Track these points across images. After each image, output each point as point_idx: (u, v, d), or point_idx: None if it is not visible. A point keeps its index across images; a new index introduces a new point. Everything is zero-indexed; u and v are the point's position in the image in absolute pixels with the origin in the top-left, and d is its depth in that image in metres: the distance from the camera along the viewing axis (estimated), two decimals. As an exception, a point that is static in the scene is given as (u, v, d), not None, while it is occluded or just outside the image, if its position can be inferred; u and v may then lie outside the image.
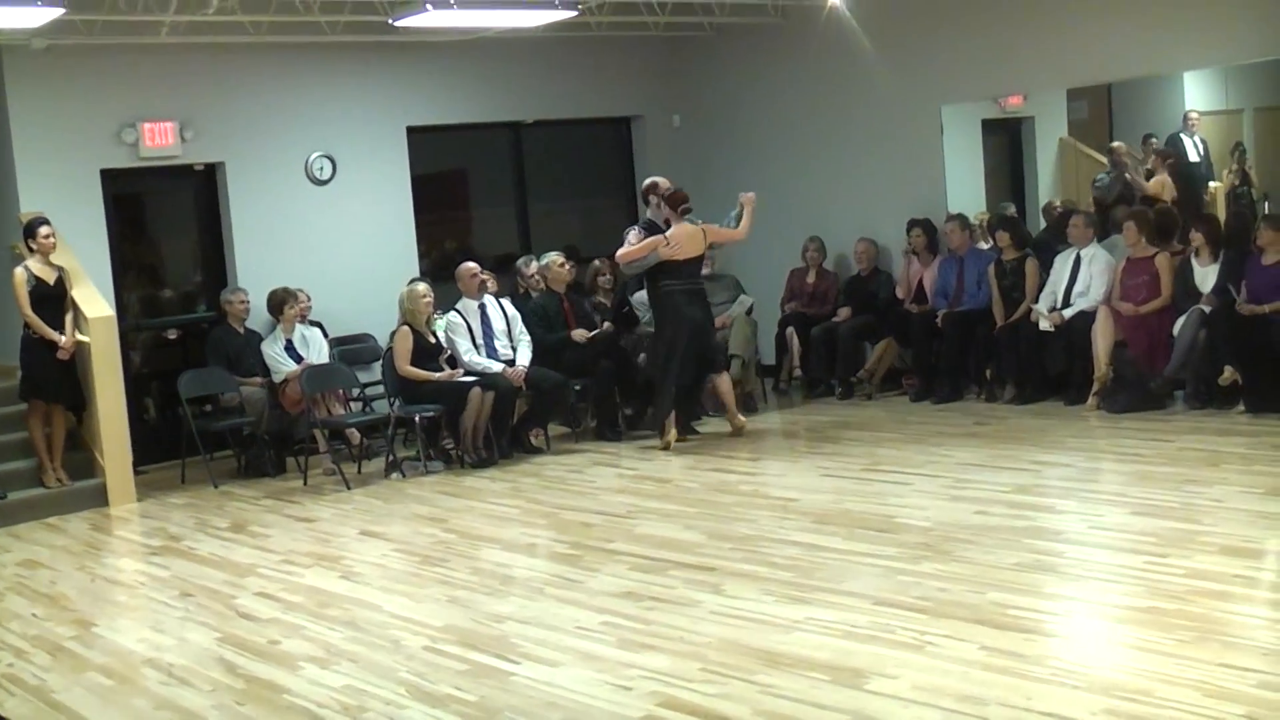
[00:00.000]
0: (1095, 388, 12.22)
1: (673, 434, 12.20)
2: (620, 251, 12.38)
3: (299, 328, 12.87)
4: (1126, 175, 14.61)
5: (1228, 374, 11.35)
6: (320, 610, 8.00)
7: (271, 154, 13.94)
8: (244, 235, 13.77)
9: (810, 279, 14.79)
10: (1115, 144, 15.24)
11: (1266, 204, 15.45)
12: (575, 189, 16.99)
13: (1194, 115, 16.47)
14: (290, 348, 12.69)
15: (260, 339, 12.82)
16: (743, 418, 12.61)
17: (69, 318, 11.67)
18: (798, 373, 14.52)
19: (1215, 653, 5.98)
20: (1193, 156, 16.21)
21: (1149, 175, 15.97)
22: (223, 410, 12.69)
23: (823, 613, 7.07)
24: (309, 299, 13.32)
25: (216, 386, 12.67)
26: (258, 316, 13.07)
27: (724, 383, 12.60)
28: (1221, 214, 14.76)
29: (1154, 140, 16.47)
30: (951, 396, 13.34)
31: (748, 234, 12.57)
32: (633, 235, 12.44)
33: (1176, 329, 11.76)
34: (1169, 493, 9.01)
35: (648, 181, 13.04)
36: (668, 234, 12.18)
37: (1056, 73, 13.88)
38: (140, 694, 6.81)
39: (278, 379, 12.54)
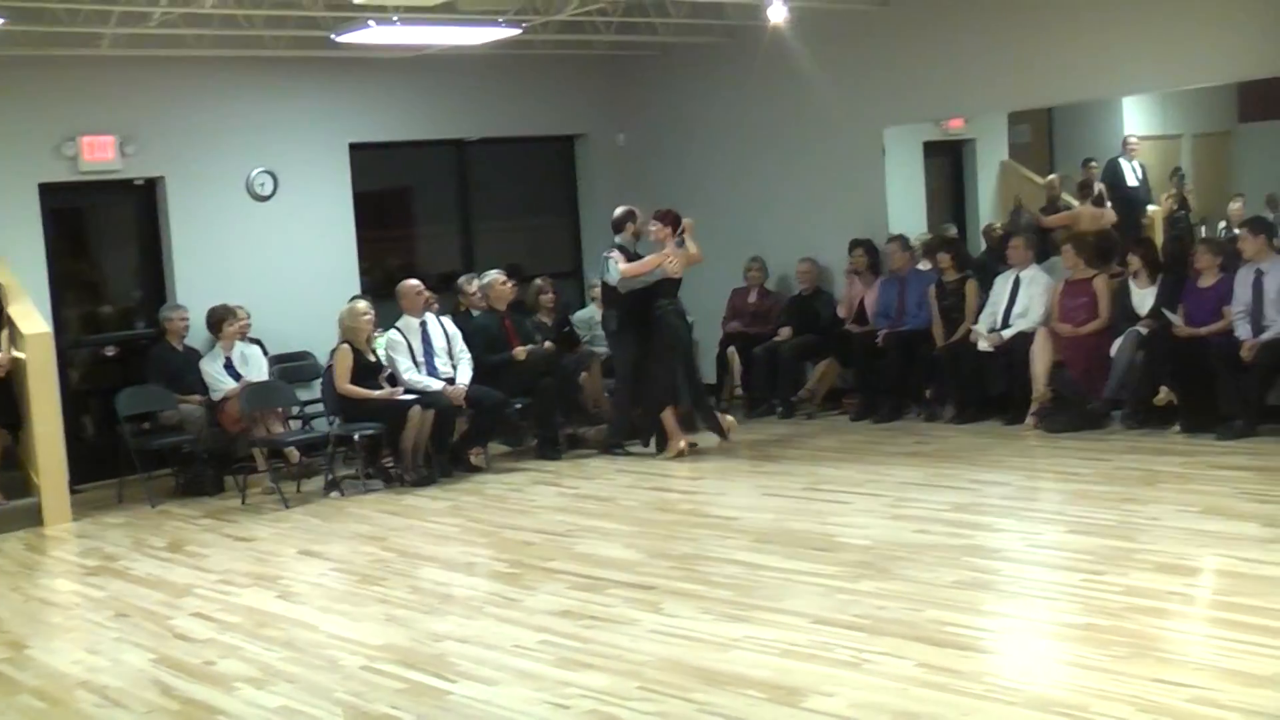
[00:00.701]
0: (1034, 408, 12.31)
1: (683, 442, 12.30)
2: (625, 267, 12.45)
3: (239, 345, 12.79)
4: (1025, 212, 14.85)
5: (1164, 394, 11.45)
6: (257, 630, 7.94)
7: (213, 169, 13.84)
8: (184, 251, 13.67)
9: (752, 298, 14.82)
10: (1050, 177, 15.45)
11: (1204, 228, 15.59)
12: (519, 207, 16.96)
13: (1133, 140, 16.60)
14: (230, 365, 12.62)
15: (200, 356, 12.75)
16: (729, 417, 12.97)
17: (4, 335, 11.58)
18: (739, 392, 14.55)
19: (1150, 668, 6.03)
20: (1131, 181, 16.33)
21: (1084, 199, 16.11)
22: (161, 428, 12.58)
23: (761, 631, 7.08)
24: (249, 316, 13.24)
25: (155, 404, 12.56)
26: (197, 334, 12.99)
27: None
28: (1159, 238, 14.88)
29: (1093, 164, 16.61)
30: (892, 416, 13.39)
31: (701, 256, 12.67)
32: (618, 256, 12.52)
33: (1114, 350, 11.85)
34: (1106, 511, 9.08)
35: (624, 210, 13.03)
36: (668, 251, 12.33)
37: (998, 96, 13.99)
38: (74, 717, 6.73)
39: (217, 397, 12.46)
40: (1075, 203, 15.89)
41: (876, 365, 13.56)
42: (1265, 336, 11.07)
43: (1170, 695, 5.69)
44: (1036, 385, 12.30)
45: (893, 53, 14.13)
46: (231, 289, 13.38)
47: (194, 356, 12.76)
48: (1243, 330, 11.25)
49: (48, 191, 13.06)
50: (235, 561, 9.83)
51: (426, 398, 12.01)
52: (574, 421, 13.41)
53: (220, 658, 7.43)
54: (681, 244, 12.37)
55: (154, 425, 12.64)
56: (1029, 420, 12.35)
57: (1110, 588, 7.36)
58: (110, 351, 13.68)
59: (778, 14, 12.57)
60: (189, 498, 12.33)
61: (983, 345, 12.70)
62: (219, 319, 12.69)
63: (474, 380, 12.45)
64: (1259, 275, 11.32)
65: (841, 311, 14.28)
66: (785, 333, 14.34)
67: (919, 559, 8.26)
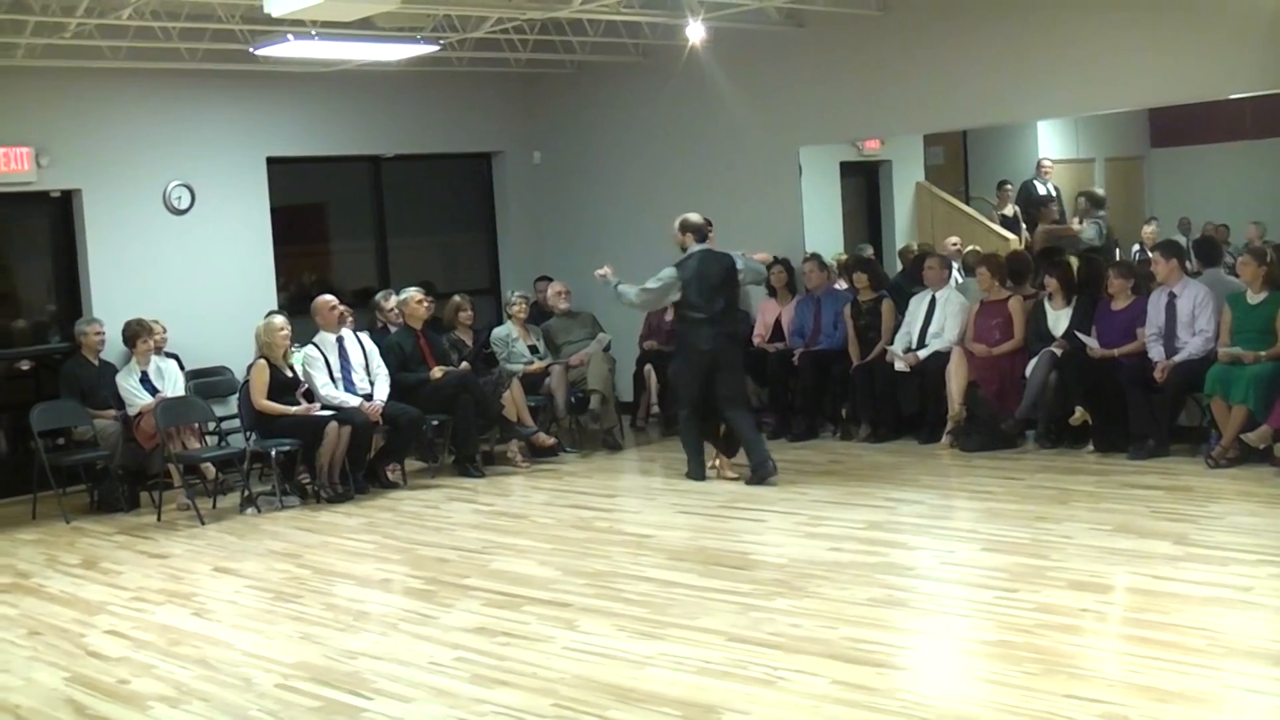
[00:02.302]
0: (949, 427, 12.40)
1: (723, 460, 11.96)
2: None
3: (154, 360, 12.66)
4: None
5: (1078, 414, 11.57)
6: (171, 648, 7.86)
7: (129, 182, 13.71)
8: (100, 264, 13.53)
9: (668, 316, 14.79)
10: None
11: (1117, 251, 15.76)
12: (435, 224, 16.93)
13: (1047, 163, 16.80)
14: (145, 380, 12.49)
15: (115, 371, 12.59)
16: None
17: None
18: (655, 410, 14.55)
19: (1062, 684, 6.09)
20: (1046, 204, 16.50)
21: (1002, 220, 16.30)
22: (76, 444, 12.41)
23: (676, 649, 7.08)
24: (165, 330, 13.11)
25: (69, 420, 12.40)
26: (113, 348, 12.83)
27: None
28: (1073, 260, 15.04)
29: (1008, 186, 16.80)
30: (807, 435, 13.44)
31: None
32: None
33: (1028, 370, 11.96)
34: (1019, 529, 9.17)
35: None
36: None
37: (914, 118, 14.08)
38: (-16, 735, 6.67)
39: (132, 412, 12.32)
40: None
41: (792, 384, 13.61)
42: (1177, 358, 11.20)
43: (1082, 711, 5.75)
44: (951, 405, 12.39)
45: (809, 73, 14.21)
46: (148, 303, 13.24)
47: (109, 371, 12.62)
48: (1155, 352, 11.38)
49: (-39, 204, 12.90)
50: (149, 579, 9.72)
51: (343, 414, 11.94)
52: (503, 437, 13.34)
53: (134, 676, 7.35)
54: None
55: (68, 441, 12.47)
56: (943, 439, 12.45)
57: (1023, 605, 7.43)
58: (24, 366, 13.50)
59: (695, 34, 12.64)
60: (103, 514, 12.18)
61: (898, 365, 12.78)
62: (134, 334, 12.55)
63: (391, 397, 12.40)
64: (1171, 298, 11.46)
65: (757, 330, 14.31)
66: (701, 351, 14.34)
67: (833, 577, 8.29)
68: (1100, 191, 15.63)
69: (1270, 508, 9.44)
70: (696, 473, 11.77)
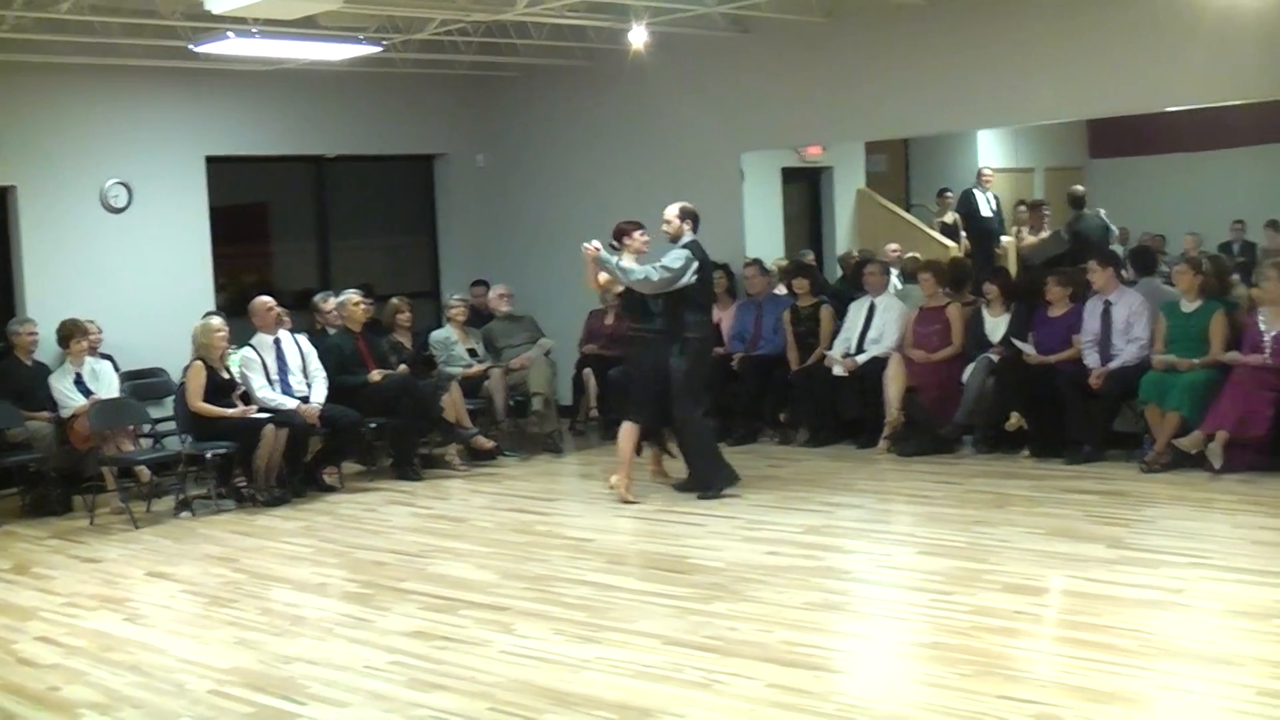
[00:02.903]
0: (887, 432, 12.46)
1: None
2: None
3: (89, 361, 12.55)
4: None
5: (1015, 420, 11.65)
6: (104, 654, 7.77)
7: (66, 179, 13.57)
8: (35, 263, 13.39)
9: (608, 321, 14.79)
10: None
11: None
12: (377, 226, 16.87)
13: (987, 172, 16.92)
14: (80, 382, 12.38)
15: (49, 372, 12.46)
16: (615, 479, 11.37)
17: None
18: (595, 414, 14.54)
19: (997, 685, 6.14)
20: (986, 211, 16.64)
21: (942, 228, 16.41)
22: (8, 446, 12.23)
23: (613, 652, 7.09)
24: (100, 331, 13.00)
25: (2, 421, 12.21)
26: (47, 349, 12.69)
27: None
28: (1012, 268, 15.15)
29: (949, 194, 16.89)
30: (747, 439, 13.45)
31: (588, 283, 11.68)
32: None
33: (966, 376, 12.03)
34: (956, 533, 9.23)
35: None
36: None
37: (855, 126, 14.18)
38: (-90, 742, 6.60)
39: (66, 414, 12.20)
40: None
41: (732, 388, 13.62)
42: (1113, 365, 11.31)
43: (1016, 712, 5.80)
44: (889, 410, 12.45)
45: (753, 80, 14.26)
46: (83, 303, 13.11)
47: (43, 372, 12.49)
48: (1091, 359, 11.49)
49: (-108, 199, 12.77)
50: (82, 584, 9.60)
51: (280, 416, 11.87)
52: (443, 440, 13.31)
53: (65, 683, 7.26)
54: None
55: (0, 443, 12.35)
56: (882, 444, 12.50)
57: (959, 607, 7.47)
58: (-44, 366, 13.37)
59: (639, 38, 12.65)
60: (36, 518, 12.00)
61: (837, 370, 12.82)
62: (68, 334, 12.43)
63: (329, 399, 12.34)
64: (1107, 306, 11.56)
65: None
66: (641, 355, 14.36)
67: (771, 581, 8.31)
68: (1080, 189, 15.73)
69: (1203, 512, 9.56)
70: (730, 477, 11.20)
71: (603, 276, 11.28)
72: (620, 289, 11.38)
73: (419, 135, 16.37)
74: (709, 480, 11.05)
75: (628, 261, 11.01)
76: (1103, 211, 15.73)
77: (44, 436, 12.15)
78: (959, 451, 12.25)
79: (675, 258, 10.95)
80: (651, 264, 10.97)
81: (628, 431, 11.11)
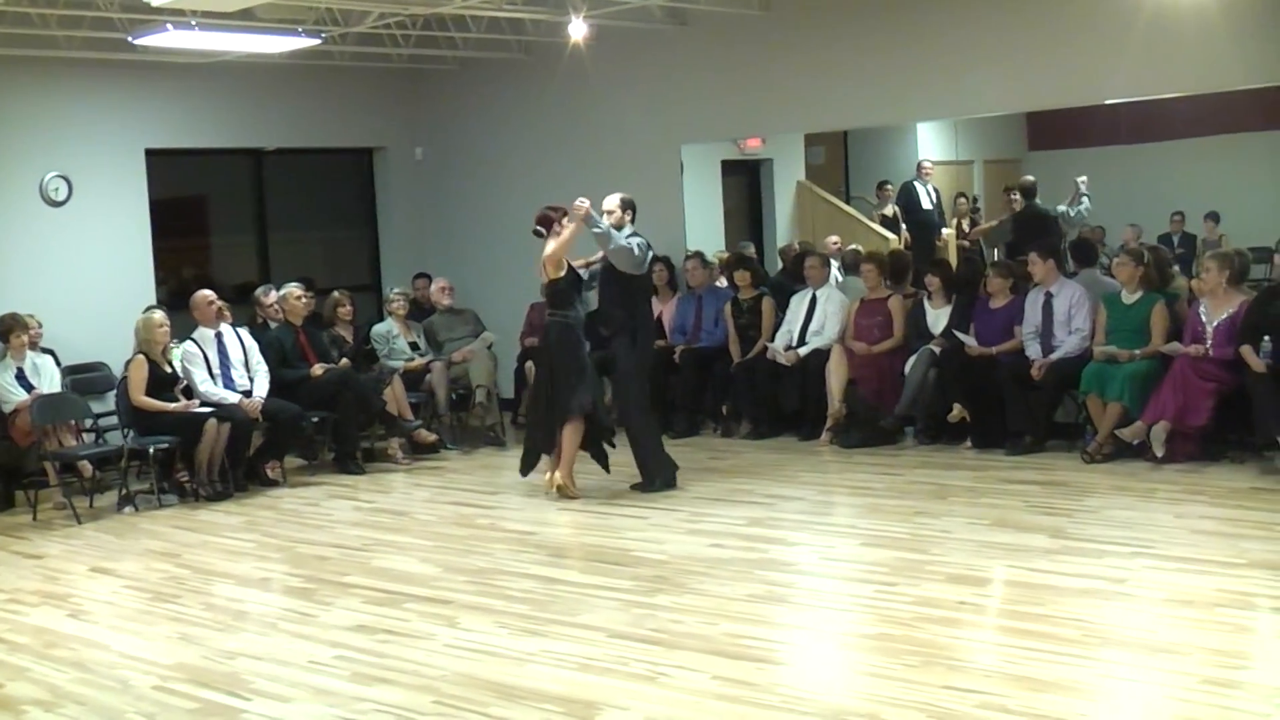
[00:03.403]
0: (829, 424, 12.50)
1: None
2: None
3: (30, 355, 12.40)
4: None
5: (956, 411, 11.70)
6: (46, 651, 7.72)
7: (4, 173, 13.47)
8: (-28, 257, 13.31)
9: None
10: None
11: (996, 252, 15.96)
12: (316, 219, 16.80)
13: (927, 165, 16.98)
14: (21, 376, 12.22)
15: (-11, 366, 12.38)
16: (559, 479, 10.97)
17: None
18: (536, 406, 14.50)
19: (940, 676, 6.16)
20: (926, 204, 16.72)
21: (882, 220, 16.47)
22: (-52, 441, 12.21)
23: (557, 645, 7.08)
24: (40, 325, 12.86)
25: (-59, 417, 12.18)
26: (-14, 343, 12.61)
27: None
28: (952, 260, 15.21)
29: (889, 187, 16.94)
30: (689, 432, 13.47)
31: (562, 247, 10.86)
32: None
33: (907, 368, 12.07)
34: (898, 524, 9.26)
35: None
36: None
37: (794, 117, 14.19)
38: None
39: (7, 409, 12.05)
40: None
41: (673, 381, 13.62)
42: (1054, 356, 11.37)
43: (960, 701, 5.82)
44: (831, 402, 12.48)
45: (691, 72, 14.26)
46: (23, 297, 12.95)
47: (-17, 367, 12.39)
48: (1032, 350, 11.55)
49: None
50: (24, 579, 9.52)
51: (222, 411, 11.80)
52: (386, 433, 13.26)
53: (8, 680, 7.20)
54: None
55: (-60, 438, 12.26)
56: (824, 436, 12.54)
57: (902, 598, 7.49)
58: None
59: (578, 31, 12.62)
60: (-25, 513, 11.97)
61: (780, 359, 12.83)
62: (8, 328, 12.27)
63: (271, 393, 12.27)
64: (1048, 297, 11.62)
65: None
66: (583, 348, 14.34)
67: (714, 573, 8.32)
68: (1031, 179, 15.79)
69: (1144, 501, 9.63)
70: (670, 476, 11.05)
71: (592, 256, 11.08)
72: (557, 275, 10.90)
73: (357, 128, 16.30)
74: (652, 475, 11.01)
75: (602, 222, 10.82)
76: (1081, 207, 15.79)
77: (-15, 432, 12.05)
78: (901, 443, 12.30)
79: (632, 243, 10.90)
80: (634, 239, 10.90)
81: (571, 429, 10.91)
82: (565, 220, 10.88)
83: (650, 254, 11.14)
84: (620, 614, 7.60)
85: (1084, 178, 15.92)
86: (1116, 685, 6.08)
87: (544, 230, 10.94)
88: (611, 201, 11.14)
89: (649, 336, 11.46)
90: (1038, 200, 15.42)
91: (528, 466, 11.19)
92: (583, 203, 10.75)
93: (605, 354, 11.34)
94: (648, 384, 11.49)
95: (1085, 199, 15.78)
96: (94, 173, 14.05)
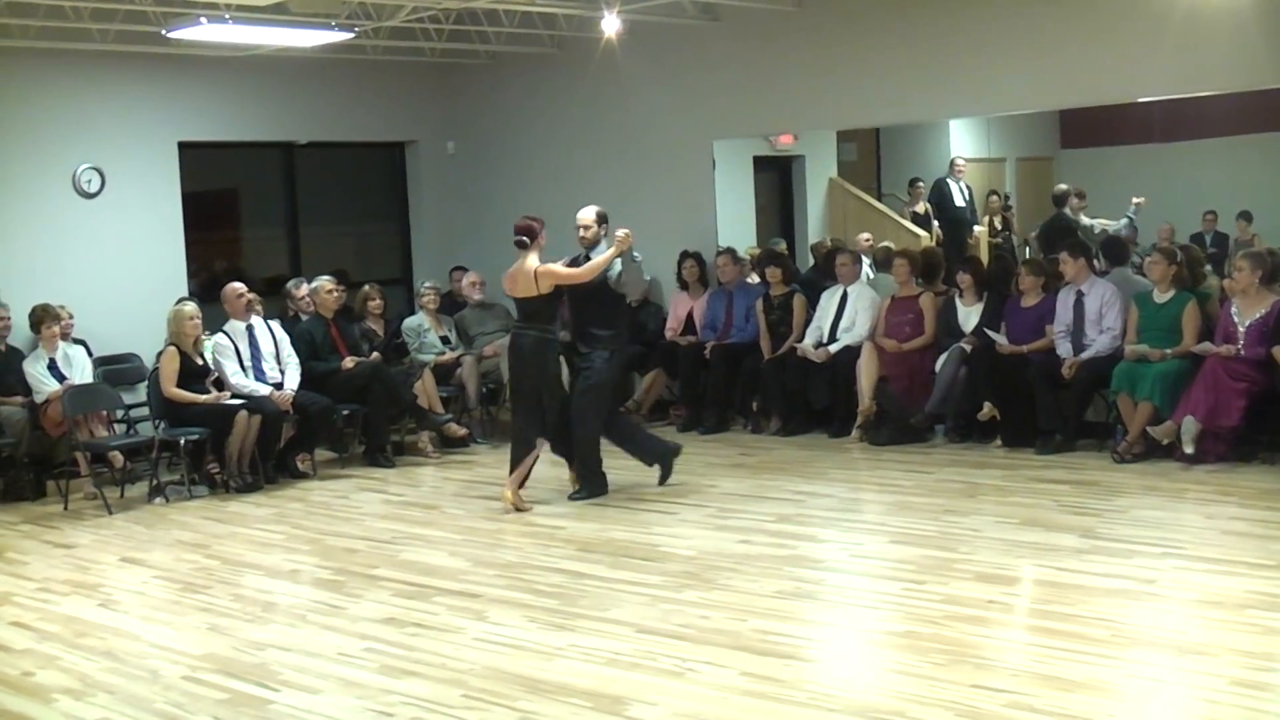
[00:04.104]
0: (859, 421, 12.47)
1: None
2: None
3: (62, 346, 12.47)
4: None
5: (986, 410, 11.67)
6: (77, 640, 7.76)
7: (38, 164, 13.51)
8: (7, 248, 13.31)
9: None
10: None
11: (1027, 249, 15.92)
12: (347, 213, 16.84)
13: (960, 162, 16.92)
14: (53, 367, 12.29)
15: (22, 357, 12.38)
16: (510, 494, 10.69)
17: None
18: (566, 401, 14.51)
19: (968, 674, 6.16)
20: (959, 201, 16.66)
21: (914, 218, 16.43)
22: (-20, 431, 12.27)
23: (585, 640, 7.10)
24: (71, 316, 12.93)
25: (-26, 406, 12.25)
26: (20, 333, 12.63)
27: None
28: (984, 257, 15.17)
29: (921, 184, 16.90)
30: (718, 427, 13.48)
31: (592, 273, 10.65)
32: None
33: (938, 366, 12.05)
34: (928, 522, 9.26)
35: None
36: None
37: (827, 114, 14.18)
38: (-117, 726, 6.56)
39: (39, 399, 12.13)
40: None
41: (703, 377, 13.63)
42: (1084, 355, 11.34)
43: (988, 700, 5.82)
44: (861, 399, 12.46)
45: (724, 67, 14.25)
46: (56, 288, 13.04)
47: (16, 357, 12.41)
48: (1063, 349, 11.51)
49: None
50: (55, 569, 9.59)
51: (253, 403, 11.85)
52: (417, 427, 13.28)
53: (39, 668, 7.26)
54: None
55: (-27, 428, 12.32)
56: (853, 433, 12.52)
57: (930, 596, 7.49)
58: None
59: (611, 26, 12.63)
60: (8, 503, 11.95)
61: (810, 357, 12.82)
62: (39, 319, 12.33)
63: (301, 386, 12.31)
64: (1079, 296, 11.59)
65: (670, 323, 14.32)
66: (614, 343, 14.35)
67: (742, 569, 8.33)
68: (1063, 187, 15.75)
69: (1174, 502, 9.60)
70: (603, 487, 11.01)
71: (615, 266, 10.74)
72: (547, 290, 10.63)
73: (390, 122, 16.34)
74: (594, 488, 10.96)
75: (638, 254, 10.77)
76: (1120, 224, 15.63)
77: (17, 421, 12.09)
78: (930, 441, 12.28)
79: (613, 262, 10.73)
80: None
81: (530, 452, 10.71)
82: (594, 242, 10.76)
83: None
84: (648, 609, 7.61)
85: (1141, 199, 15.80)
86: (1145, 686, 6.07)
87: (527, 240, 10.66)
88: (587, 215, 10.97)
89: (625, 353, 11.53)
90: (1066, 210, 15.39)
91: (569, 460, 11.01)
92: (626, 233, 10.55)
93: (578, 368, 11.03)
94: (616, 398, 11.50)
95: (1126, 219, 15.65)
96: (127, 165, 14.10)
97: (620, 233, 10.56)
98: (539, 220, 10.80)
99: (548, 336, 10.73)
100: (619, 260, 10.63)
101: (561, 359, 10.94)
